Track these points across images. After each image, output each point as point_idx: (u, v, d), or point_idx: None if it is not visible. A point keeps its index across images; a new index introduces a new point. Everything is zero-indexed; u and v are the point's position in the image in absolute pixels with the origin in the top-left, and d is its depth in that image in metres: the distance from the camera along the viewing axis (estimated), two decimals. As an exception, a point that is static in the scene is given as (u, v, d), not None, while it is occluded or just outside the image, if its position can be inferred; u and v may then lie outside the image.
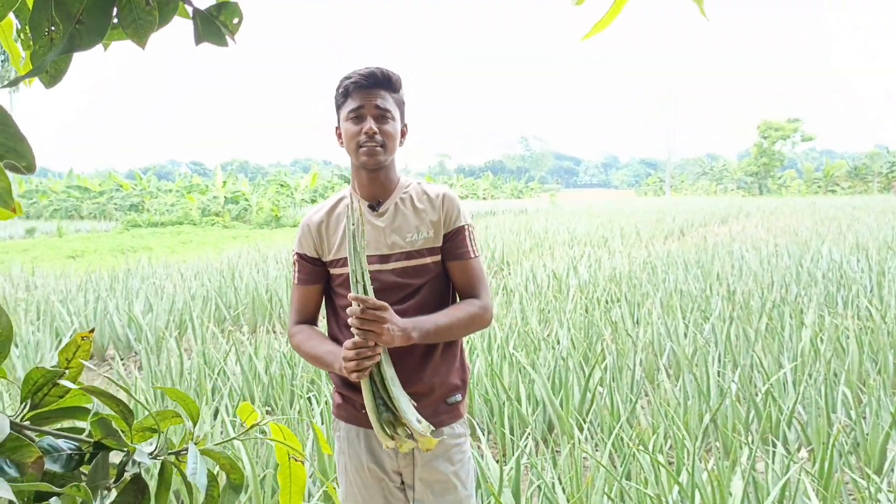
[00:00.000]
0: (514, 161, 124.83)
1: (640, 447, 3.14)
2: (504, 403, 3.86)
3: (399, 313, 1.73)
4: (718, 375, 4.35)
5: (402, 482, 1.84)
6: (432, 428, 1.60)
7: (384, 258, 1.78)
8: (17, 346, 5.59)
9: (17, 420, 0.81)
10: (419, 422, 1.58)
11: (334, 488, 1.46)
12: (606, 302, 6.89)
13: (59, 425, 0.86)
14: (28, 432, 0.79)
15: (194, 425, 0.92)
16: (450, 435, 1.82)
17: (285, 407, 3.88)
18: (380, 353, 1.58)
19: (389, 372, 1.60)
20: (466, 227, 1.84)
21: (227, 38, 0.74)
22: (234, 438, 0.95)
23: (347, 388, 1.85)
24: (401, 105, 1.81)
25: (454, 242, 1.81)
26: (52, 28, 0.76)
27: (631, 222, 18.83)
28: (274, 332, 6.63)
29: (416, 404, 1.62)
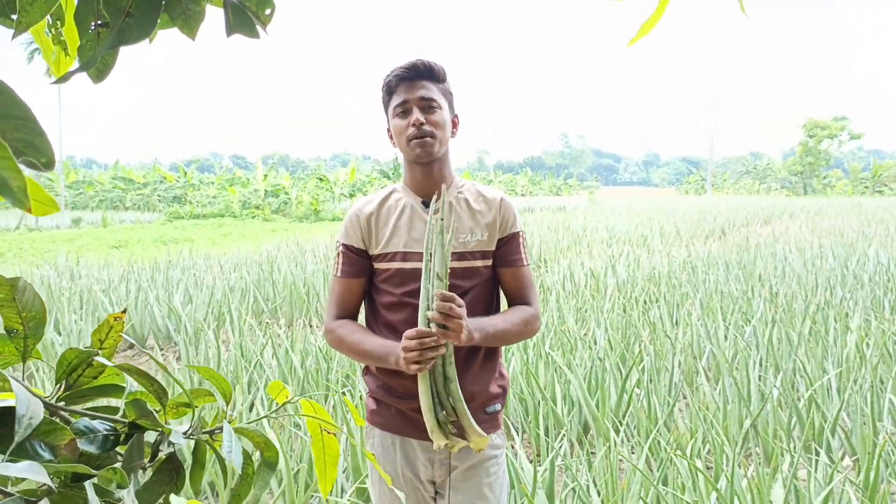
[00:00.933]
0: (554, 157, 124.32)
1: (678, 452, 3.07)
2: (539, 403, 3.83)
3: None
4: (759, 380, 4.25)
5: (436, 492, 1.80)
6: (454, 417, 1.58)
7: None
8: (59, 333, 5.73)
9: (52, 401, 0.82)
10: (448, 425, 1.56)
11: (373, 455, 1.41)
12: (645, 302, 6.78)
13: (92, 403, 0.88)
14: (63, 413, 0.80)
15: (227, 404, 0.92)
16: (488, 446, 1.76)
17: (320, 401, 3.90)
18: (444, 346, 1.54)
19: (452, 371, 1.56)
20: (521, 233, 1.81)
21: (259, 29, 0.72)
22: (266, 416, 0.95)
23: (384, 393, 1.80)
24: (447, 95, 1.76)
25: (508, 248, 1.78)
26: (99, 22, 0.76)
27: (671, 221, 18.55)
28: (310, 327, 6.68)
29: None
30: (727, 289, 7.31)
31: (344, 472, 3.26)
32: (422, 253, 1.70)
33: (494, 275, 1.81)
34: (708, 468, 3.33)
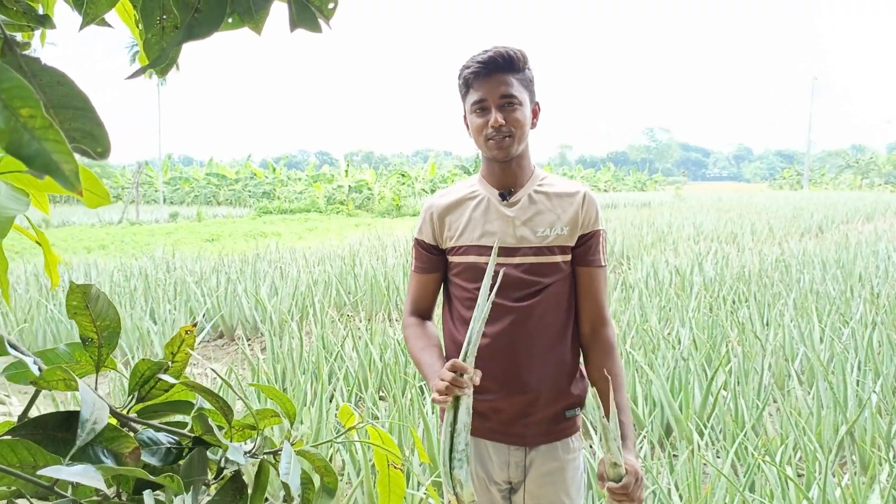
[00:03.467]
0: (639, 152, 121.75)
1: (766, 458, 2.94)
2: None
3: (524, 311, 1.65)
4: (857, 385, 4.02)
5: (511, 492, 1.76)
6: (475, 498, 1.44)
7: (510, 251, 1.67)
8: (155, 322, 6.01)
9: (124, 412, 0.82)
10: (462, 487, 1.42)
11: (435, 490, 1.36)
12: (733, 301, 6.53)
13: (165, 419, 0.88)
14: (132, 424, 0.81)
15: (291, 425, 0.91)
16: (564, 450, 1.72)
17: (397, 394, 3.94)
18: (469, 391, 1.45)
19: (466, 421, 1.45)
20: (602, 231, 1.72)
21: (322, 23, 0.72)
22: (331, 441, 0.95)
23: None
24: (528, 84, 1.66)
25: (588, 246, 1.70)
26: (165, 17, 0.77)
27: (763, 218, 17.82)
28: (389, 320, 6.76)
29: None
30: (823, 289, 6.96)
31: (421, 465, 3.28)
32: (499, 248, 1.64)
33: (573, 271, 1.73)
34: (799, 476, 3.18)
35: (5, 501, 0.73)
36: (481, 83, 1.62)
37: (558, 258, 1.68)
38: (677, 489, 2.86)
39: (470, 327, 1.48)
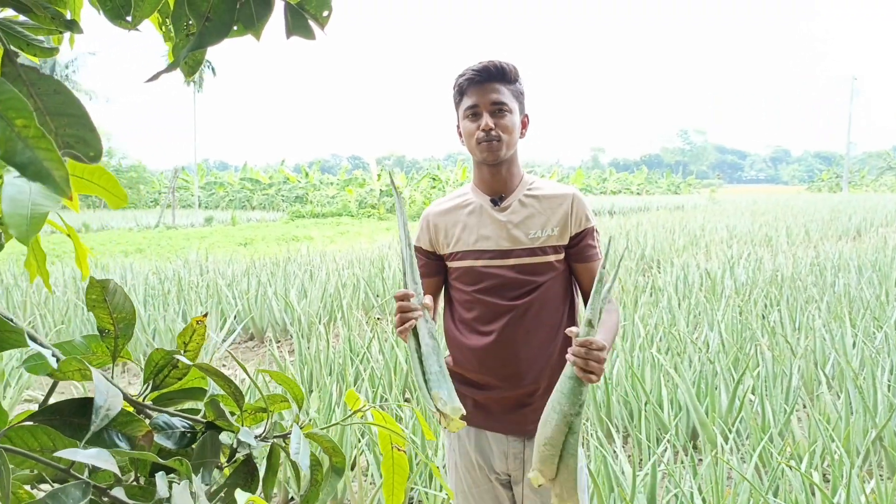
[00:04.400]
0: (673, 155, 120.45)
1: (791, 462, 2.91)
2: (645, 405, 3.72)
3: (520, 309, 1.75)
4: (888, 389, 3.94)
5: (511, 484, 1.83)
6: (462, 411, 1.45)
7: (504, 253, 1.76)
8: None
9: (140, 400, 0.87)
10: (445, 403, 1.44)
11: (437, 467, 1.39)
12: (764, 305, 6.44)
13: (180, 406, 0.92)
14: (148, 411, 0.85)
15: (299, 409, 0.95)
16: None
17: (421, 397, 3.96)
18: (425, 314, 1.50)
19: (430, 344, 1.49)
20: (594, 228, 1.82)
21: (317, 30, 0.76)
22: (336, 424, 0.98)
23: (459, 384, 1.80)
24: (519, 96, 1.77)
25: (583, 244, 1.79)
26: (190, 23, 0.82)
27: (800, 221, 17.51)
28: (418, 322, 6.79)
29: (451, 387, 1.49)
30: (858, 293, 6.83)
31: (444, 466, 3.30)
32: (492, 251, 1.75)
33: (569, 268, 1.82)
34: (826, 481, 3.13)
35: (29, 486, 0.77)
36: (475, 90, 1.73)
37: (551, 257, 1.77)
38: (700, 493, 2.84)
39: (403, 254, 1.59)
